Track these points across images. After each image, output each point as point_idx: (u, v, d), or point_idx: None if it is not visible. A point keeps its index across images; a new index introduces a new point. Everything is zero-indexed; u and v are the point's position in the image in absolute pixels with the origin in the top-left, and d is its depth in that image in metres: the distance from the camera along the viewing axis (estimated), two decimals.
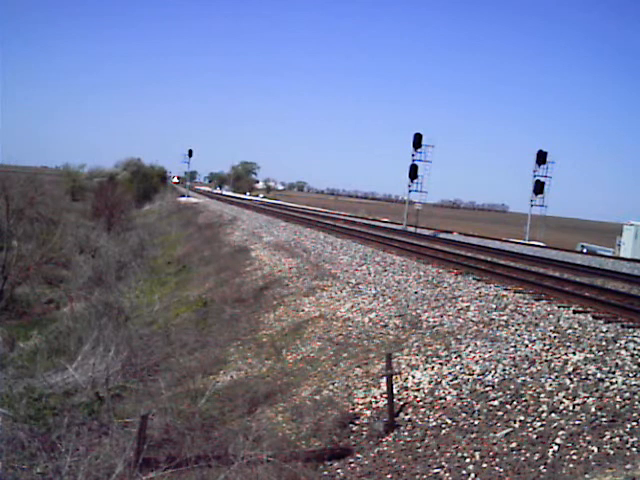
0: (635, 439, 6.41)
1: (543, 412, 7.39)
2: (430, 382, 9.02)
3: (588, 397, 7.43)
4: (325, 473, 7.66)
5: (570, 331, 9.84)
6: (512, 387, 8.17)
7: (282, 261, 20.03)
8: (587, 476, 5.96)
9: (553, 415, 7.27)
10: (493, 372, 8.72)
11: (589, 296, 12.55)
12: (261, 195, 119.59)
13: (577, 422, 6.98)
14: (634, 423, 6.70)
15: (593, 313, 11.00)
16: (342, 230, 29.13)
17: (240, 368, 11.91)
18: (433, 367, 9.44)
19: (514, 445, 6.95)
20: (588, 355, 8.65)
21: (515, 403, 7.79)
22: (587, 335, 9.56)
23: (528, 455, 6.70)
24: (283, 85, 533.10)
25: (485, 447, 7.10)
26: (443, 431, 7.76)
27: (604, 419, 6.91)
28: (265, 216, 39.91)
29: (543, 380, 8.11)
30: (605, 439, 6.56)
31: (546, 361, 8.69)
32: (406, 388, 9.09)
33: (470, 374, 8.87)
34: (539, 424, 7.18)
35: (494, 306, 11.91)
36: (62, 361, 12.71)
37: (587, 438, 6.65)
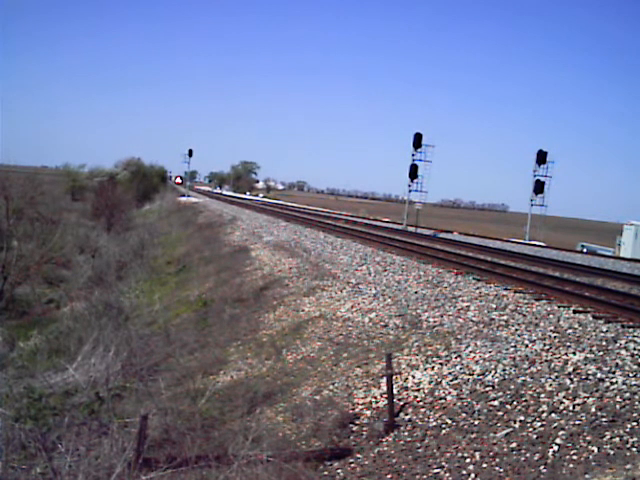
0: (635, 439, 6.40)
1: (543, 412, 7.39)
2: (430, 382, 9.02)
3: (588, 397, 7.43)
4: (325, 473, 7.65)
5: (570, 331, 9.84)
6: (512, 387, 8.16)
7: (282, 261, 20.03)
8: (587, 476, 5.96)
9: (553, 415, 7.27)
10: (493, 372, 8.71)
11: (589, 296, 12.54)
12: (261, 195, 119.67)
13: (577, 422, 6.98)
14: (634, 423, 6.70)
15: (593, 313, 11.00)
16: (342, 230, 29.13)
17: (240, 368, 11.91)
18: (433, 367, 9.44)
19: (514, 445, 6.95)
20: (588, 355, 8.65)
21: (515, 403, 7.79)
22: (587, 335, 9.55)
23: (528, 455, 6.70)
24: (283, 85, 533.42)
25: (485, 447, 7.10)
26: (443, 431, 7.76)
27: (604, 419, 6.90)
28: (265, 216, 39.91)
29: (543, 380, 8.11)
30: (605, 439, 6.55)
31: (546, 361, 8.68)
32: (406, 388, 9.08)
33: (470, 374, 8.87)
34: (539, 424, 7.18)
35: (494, 306, 11.91)
36: (62, 361, 12.71)
37: (587, 438, 6.65)
